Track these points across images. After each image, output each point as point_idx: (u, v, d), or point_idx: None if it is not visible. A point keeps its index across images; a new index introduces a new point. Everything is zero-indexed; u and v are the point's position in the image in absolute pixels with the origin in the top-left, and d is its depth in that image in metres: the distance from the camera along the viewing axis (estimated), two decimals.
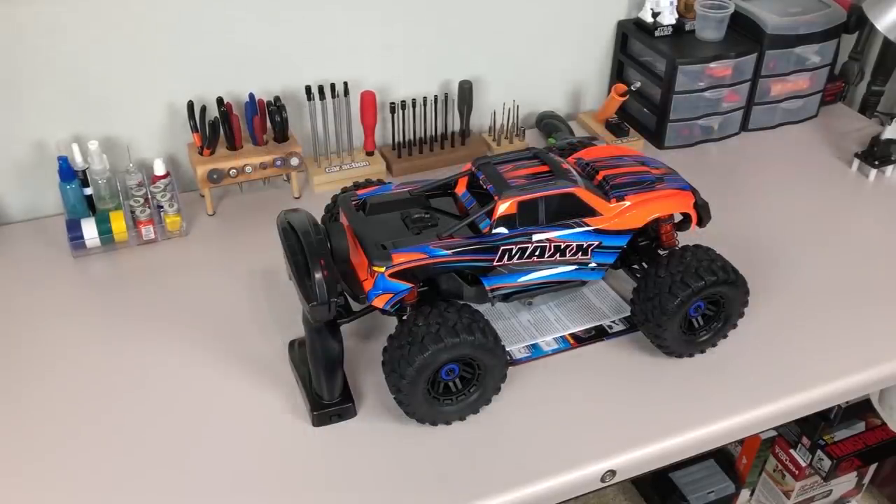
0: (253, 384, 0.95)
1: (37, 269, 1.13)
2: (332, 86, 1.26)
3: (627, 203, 0.95)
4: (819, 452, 1.53)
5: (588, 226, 0.93)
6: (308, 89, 1.26)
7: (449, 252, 0.88)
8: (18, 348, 1.00)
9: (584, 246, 0.93)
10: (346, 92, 1.27)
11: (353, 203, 0.95)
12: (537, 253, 0.92)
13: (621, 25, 1.48)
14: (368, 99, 1.28)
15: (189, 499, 0.82)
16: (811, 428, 1.52)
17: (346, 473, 0.85)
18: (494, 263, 0.91)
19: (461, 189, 0.96)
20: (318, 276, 0.79)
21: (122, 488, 0.83)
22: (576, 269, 0.96)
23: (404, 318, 0.88)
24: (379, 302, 0.88)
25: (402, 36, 1.35)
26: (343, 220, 0.94)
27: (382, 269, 0.86)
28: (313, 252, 0.80)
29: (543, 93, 1.51)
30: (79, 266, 1.14)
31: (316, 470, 0.85)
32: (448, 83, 1.41)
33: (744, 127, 1.48)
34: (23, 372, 0.96)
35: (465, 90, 1.34)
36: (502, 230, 0.89)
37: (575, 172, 0.94)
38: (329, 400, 0.90)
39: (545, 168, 0.93)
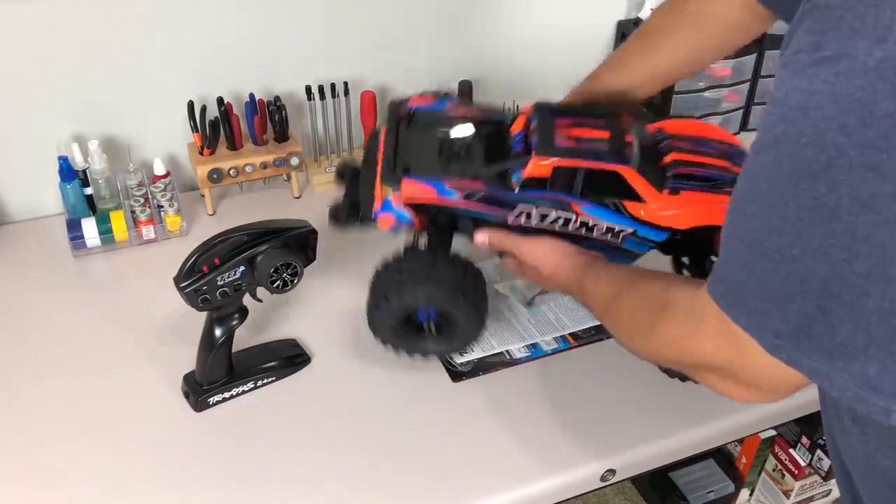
0: None
1: (37, 269, 1.13)
2: (332, 86, 1.26)
3: (680, 199, 0.83)
4: (818, 452, 1.52)
5: (626, 211, 0.83)
6: (308, 89, 1.26)
7: (461, 196, 0.83)
8: (18, 348, 1.00)
9: (616, 230, 0.84)
10: (346, 92, 1.28)
11: (402, 113, 0.90)
12: (560, 223, 0.84)
13: (621, 25, 1.48)
14: (368, 99, 1.28)
15: (196, 496, 0.82)
16: (811, 427, 1.52)
17: (346, 473, 0.85)
18: (509, 222, 0.85)
19: (516, 129, 0.87)
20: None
21: (128, 487, 0.83)
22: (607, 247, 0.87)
23: (405, 247, 0.87)
24: (383, 223, 0.85)
25: (402, 36, 1.35)
26: (383, 129, 0.90)
27: (389, 192, 0.83)
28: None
29: (543, 93, 1.50)
30: (79, 266, 1.14)
31: (317, 469, 0.85)
32: (448, 83, 1.41)
33: (743, 127, 1.48)
34: (22, 371, 0.96)
35: (465, 90, 1.34)
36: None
37: (636, 148, 0.83)
38: (205, 382, 0.91)
39: (605, 134, 0.83)
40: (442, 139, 0.86)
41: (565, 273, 0.81)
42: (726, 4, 0.87)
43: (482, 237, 0.86)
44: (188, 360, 0.93)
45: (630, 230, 0.84)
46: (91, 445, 0.87)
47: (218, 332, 0.89)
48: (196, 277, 0.84)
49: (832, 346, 0.46)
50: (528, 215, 0.84)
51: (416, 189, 0.83)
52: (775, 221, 0.47)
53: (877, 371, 0.45)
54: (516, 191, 0.82)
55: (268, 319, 1.03)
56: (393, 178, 0.83)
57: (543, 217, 0.83)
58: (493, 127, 0.89)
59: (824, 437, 1.53)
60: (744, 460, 1.64)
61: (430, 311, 0.86)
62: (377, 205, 0.85)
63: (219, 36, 1.23)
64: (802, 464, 1.55)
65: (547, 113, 0.85)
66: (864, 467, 0.60)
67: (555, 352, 1.00)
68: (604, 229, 0.84)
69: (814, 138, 0.43)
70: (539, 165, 0.81)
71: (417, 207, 0.85)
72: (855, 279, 0.43)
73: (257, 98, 1.22)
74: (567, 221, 0.84)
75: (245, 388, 0.93)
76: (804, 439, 1.54)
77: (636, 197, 0.82)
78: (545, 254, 0.83)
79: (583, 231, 0.85)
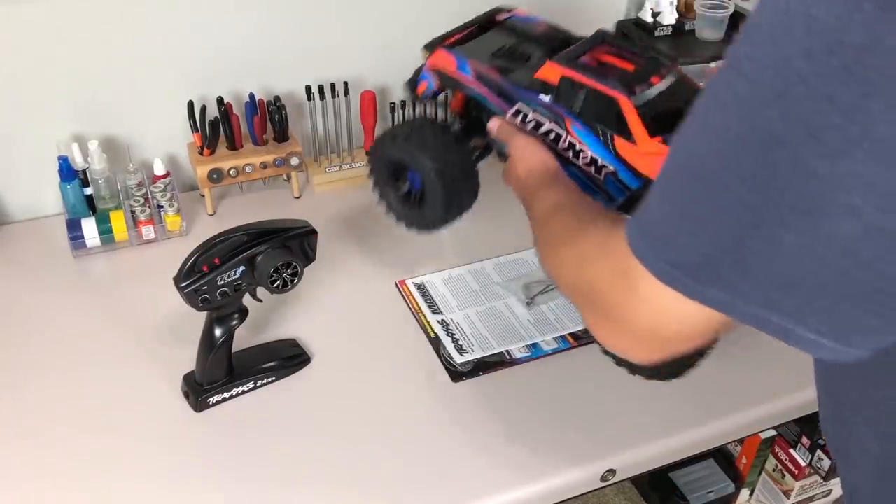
0: None
1: (37, 269, 1.13)
2: (332, 86, 1.26)
3: (664, 148, 0.80)
4: (819, 452, 1.52)
5: (614, 147, 0.80)
6: (308, 89, 1.26)
7: (474, 75, 0.87)
8: (18, 348, 1.00)
9: (599, 164, 0.81)
10: (346, 92, 1.28)
11: (498, 18, 0.96)
12: (552, 136, 0.83)
13: (621, 25, 1.48)
14: (368, 99, 1.28)
15: (196, 495, 0.82)
16: (811, 428, 1.52)
17: (346, 473, 0.85)
18: (507, 116, 0.86)
19: None
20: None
21: (127, 487, 0.83)
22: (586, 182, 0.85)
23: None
24: (419, 89, 0.92)
25: (402, 36, 1.34)
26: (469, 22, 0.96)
27: (425, 57, 0.90)
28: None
29: None
30: (79, 266, 1.14)
31: (316, 469, 0.85)
32: None
33: None
34: (22, 371, 0.96)
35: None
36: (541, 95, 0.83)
37: (654, 91, 0.80)
38: (205, 382, 0.91)
39: (629, 67, 0.82)
40: (505, 43, 0.91)
41: (535, 178, 0.80)
42: None
43: (495, 122, 0.87)
44: (188, 360, 0.93)
45: (612, 168, 0.81)
46: (91, 445, 0.87)
47: (218, 332, 0.89)
48: (196, 277, 0.84)
49: (736, 276, 0.45)
50: (525, 117, 0.84)
51: (442, 58, 0.88)
52: (715, 144, 0.45)
53: (781, 296, 0.44)
54: (522, 87, 0.84)
55: (268, 319, 1.03)
56: (430, 45, 0.90)
57: (538, 126, 0.84)
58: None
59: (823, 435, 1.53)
60: (744, 460, 1.64)
61: (415, 175, 0.91)
62: (419, 75, 0.93)
63: (219, 36, 1.23)
64: (802, 464, 1.55)
65: (598, 38, 0.86)
66: (857, 451, 0.60)
67: (555, 352, 1.00)
68: (588, 159, 0.82)
69: (776, 61, 0.41)
70: (549, 70, 0.81)
71: (446, 82, 0.90)
72: (782, 210, 0.42)
73: (257, 98, 1.22)
74: (557, 138, 0.83)
75: (245, 388, 0.93)
76: (804, 439, 1.54)
77: (628, 135, 0.79)
78: (529, 153, 0.82)
79: (570, 154, 0.83)
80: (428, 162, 0.89)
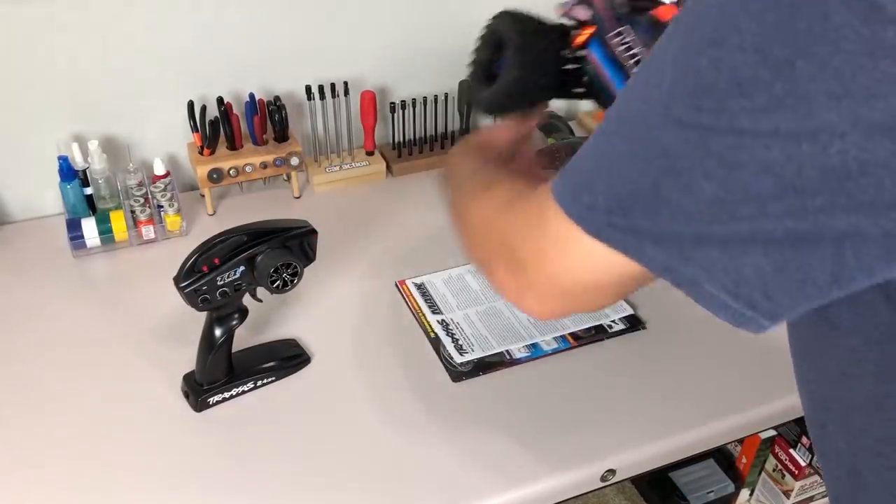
0: None
1: (37, 269, 1.13)
2: (332, 86, 1.26)
3: None
4: None
5: None
6: (308, 89, 1.26)
7: (604, 2, 0.89)
8: (17, 347, 1.00)
9: None
10: (346, 92, 1.28)
11: None
12: (633, 61, 0.87)
13: None
14: (368, 99, 1.28)
15: (195, 496, 0.82)
16: None
17: (346, 473, 0.85)
18: (608, 34, 0.88)
19: None
20: None
21: (127, 487, 0.83)
22: None
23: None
24: (562, 10, 0.93)
25: (402, 36, 1.35)
26: None
27: None
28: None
29: None
30: (79, 266, 1.14)
31: (316, 469, 0.85)
32: (449, 83, 1.41)
33: None
34: (21, 371, 0.96)
35: (465, 90, 1.34)
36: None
37: None
38: (205, 382, 0.91)
39: None
40: None
41: (481, 151, 0.81)
42: None
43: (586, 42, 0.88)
44: (188, 360, 0.93)
45: None
46: (90, 445, 0.87)
47: (218, 332, 0.89)
48: (196, 277, 0.84)
49: (648, 220, 0.45)
50: (624, 40, 0.86)
51: None
52: (648, 88, 0.45)
53: (691, 246, 0.44)
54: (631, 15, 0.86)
55: (268, 319, 1.03)
56: None
57: (629, 48, 0.86)
58: None
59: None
60: (744, 460, 1.64)
61: (504, 62, 0.90)
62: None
63: (219, 36, 1.23)
64: (802, 464, 1.55)
65: None
66: (832, 452, 0.60)
67: (555, 352, 1.00)
68: None
69: (716, 10, 0.41)
70: (667, 10, 0.84)
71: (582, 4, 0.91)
72: (703, 160, 0.42)
73: (257, 98, 1.22)
74: (637, 63, 0.86)
75: (245, 388, 0.93)
76: (804, 439, 1.54)
77: None
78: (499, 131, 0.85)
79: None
80: (521, 44, 0.89)
